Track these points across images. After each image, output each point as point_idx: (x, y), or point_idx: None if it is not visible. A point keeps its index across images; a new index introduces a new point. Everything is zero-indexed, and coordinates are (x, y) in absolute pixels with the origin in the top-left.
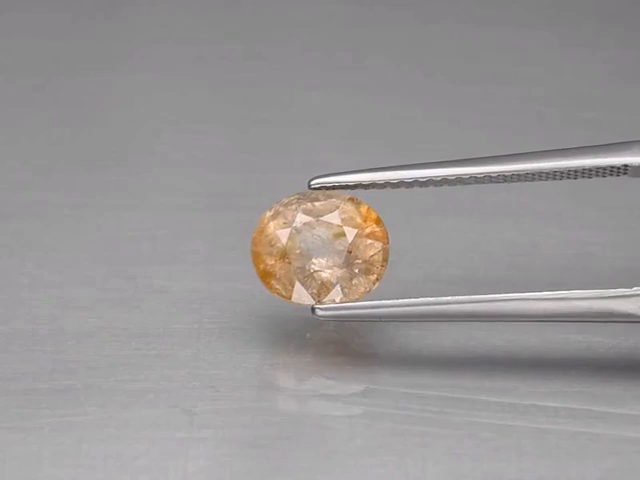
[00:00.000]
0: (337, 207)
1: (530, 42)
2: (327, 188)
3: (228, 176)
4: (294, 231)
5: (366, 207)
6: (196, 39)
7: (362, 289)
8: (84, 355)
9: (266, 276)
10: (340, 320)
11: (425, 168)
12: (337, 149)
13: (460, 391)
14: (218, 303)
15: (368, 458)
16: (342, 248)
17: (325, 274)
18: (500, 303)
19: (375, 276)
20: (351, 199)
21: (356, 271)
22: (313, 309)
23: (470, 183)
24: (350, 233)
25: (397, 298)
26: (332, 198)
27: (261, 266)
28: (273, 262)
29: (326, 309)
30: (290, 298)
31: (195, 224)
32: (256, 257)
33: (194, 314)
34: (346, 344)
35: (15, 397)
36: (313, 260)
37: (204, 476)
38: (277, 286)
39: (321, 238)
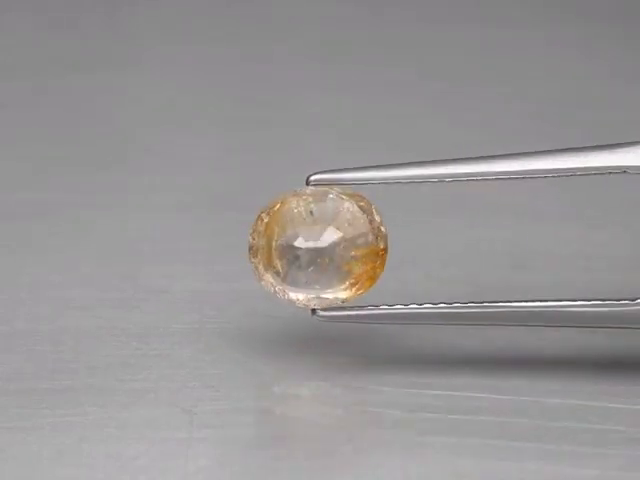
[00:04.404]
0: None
1: (530, 42)
2: (326, 185)
3: (228, 176)
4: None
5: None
6: (196, 39)
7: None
8: (84, 355)
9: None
10: (341, 322)
11: (424, 167)
12: (337, 149)
13: (460, 391)
14: (218, 303)
15: (368, 458)
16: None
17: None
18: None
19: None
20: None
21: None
22: (314, 311)
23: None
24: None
25: (399, 302)
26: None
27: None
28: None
29: (327, 312)
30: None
31: (195, 224)
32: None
33: (194, 314)
34: (346, 344)
35: (15, 397)
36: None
37: (204, 476)
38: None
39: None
